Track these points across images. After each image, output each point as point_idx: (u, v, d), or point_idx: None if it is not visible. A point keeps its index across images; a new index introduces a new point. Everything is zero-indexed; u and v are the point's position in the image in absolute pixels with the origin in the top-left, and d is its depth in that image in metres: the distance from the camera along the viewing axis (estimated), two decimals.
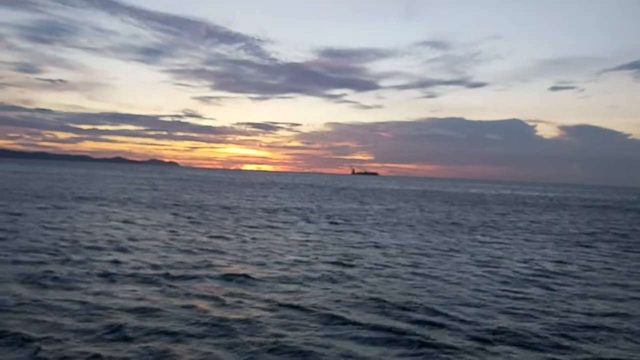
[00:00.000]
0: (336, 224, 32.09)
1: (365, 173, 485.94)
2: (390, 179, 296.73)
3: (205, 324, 10.25)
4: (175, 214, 33.39)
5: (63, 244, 19.30)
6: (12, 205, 33.24)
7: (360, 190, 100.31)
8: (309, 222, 32.53)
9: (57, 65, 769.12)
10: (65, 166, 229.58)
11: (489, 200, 76.87)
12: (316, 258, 18.75)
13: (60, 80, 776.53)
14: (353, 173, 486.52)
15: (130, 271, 14.93)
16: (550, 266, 19.27)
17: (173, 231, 24.70)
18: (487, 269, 18.17)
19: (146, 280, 13.87)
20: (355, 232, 27.99)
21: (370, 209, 47.21)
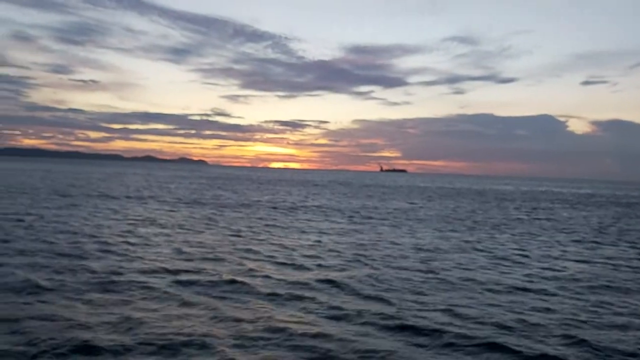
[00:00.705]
0: (353, 221, 31.31)
1: (394, 170, 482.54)
2: (418, 176, 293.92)
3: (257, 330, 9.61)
4: (211, 212, 33.10)
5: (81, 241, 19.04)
6: (37, 205, 33.39)
7: (388, 187, 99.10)
8: (346, 218, 31.82)
9: (89, 66, 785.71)
10: (96, 165, 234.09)
11: (533, 198, 74.95)
12: (332, 258, 18.02)
13: (92, 81, 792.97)
14: (381, 170, 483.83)
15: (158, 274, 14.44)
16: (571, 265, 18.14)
17: (209, 228, 24.28)
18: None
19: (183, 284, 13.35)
20: (372, 229, 27.17)
21: (415, 207, 46.22)
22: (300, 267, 16.01)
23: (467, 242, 23.58)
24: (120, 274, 14.00)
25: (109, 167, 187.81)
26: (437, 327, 10.26)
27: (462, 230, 28.39)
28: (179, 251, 18.09)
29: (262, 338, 9.27)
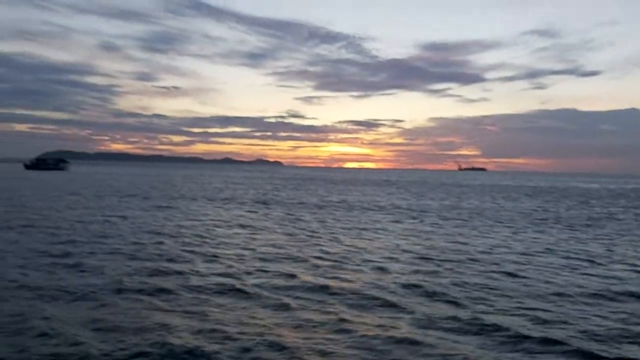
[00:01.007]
0: (430, 222, 30.46)
1: (472, 169, 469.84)
2: (498, 175, 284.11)
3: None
4: (290, 212, 33.50)
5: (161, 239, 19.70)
6: (122, 206, 35.03)
7: (467, 186, 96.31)
8: (422, 219, 31.20)
9: (171, 73, 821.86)
10: (178, 167, 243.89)
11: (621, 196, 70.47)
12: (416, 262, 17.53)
13: (174, 87, 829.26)
14: (459, 169, 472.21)
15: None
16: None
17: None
18: None
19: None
20: (449, 229, 26.28)
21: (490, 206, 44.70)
22: (378, 270, 15.63)
23: (548, 242, 22.30)
24: (200, 275, 14.26)
25: (189, 170, 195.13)
26: (520, 331, 9.71)
27: (544, 230, 26.93)
28: (256, 252, 18.20)
29: (336, 340, 9.06)
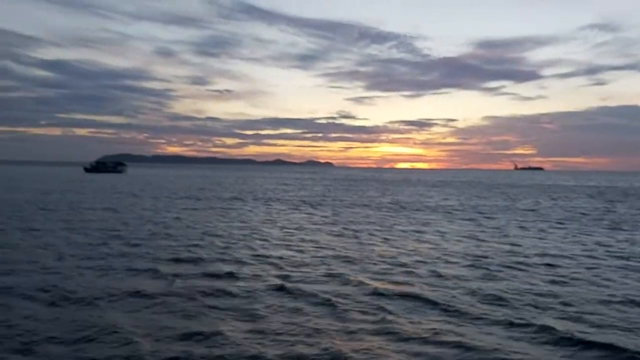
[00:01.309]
0: (485, 223, 29.56)
1: (529, 168, 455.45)
2: (556, 174, 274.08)
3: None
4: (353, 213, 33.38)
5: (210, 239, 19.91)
6: (175, 206, 35.79)
7: (524, 186, 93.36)
8: (478, 220, 30.42)
9: (224, 77, 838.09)
10: (232, 169, 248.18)
11: None
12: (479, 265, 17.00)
13: (227, 90, 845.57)
14: (516, 169, 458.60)
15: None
16: None
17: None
18: None
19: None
20: (505, 230, 25.39)
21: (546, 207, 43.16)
22: (430, 272, 15.23)
23: (609, 244, 21.16)
24: (250, 276, 14.31)
25: (242, 171, 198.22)
26: (581, 337, 9.24)
27: (604, 232, 25.62)
28: (307, 253, 18.16)
29: (385, 344, 8.82)
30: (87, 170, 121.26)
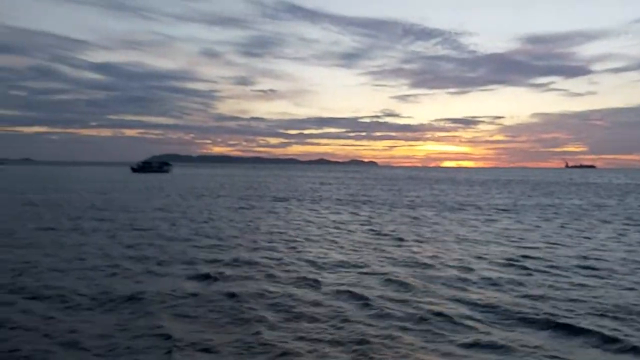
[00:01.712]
0: (539, 224, 28.32)
1: (580, 166, 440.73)
2: (609, 172, 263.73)
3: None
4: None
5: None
6: (219, 205, 35.92)
7: (577, 184, 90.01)
8: (529, 219, 29.26)
9: (268, 76, 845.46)
10: (276, 169, 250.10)
11: None
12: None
13: (271, 90, 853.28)
14: (566, 167, 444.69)
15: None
16: None
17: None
18: None
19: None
20: (559, 232, 24.18)
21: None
22: (464, 269, 14.62)
23: None
24: (290, 273, 14.00)
25: (286, 171, 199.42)
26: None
27: None
28: (348, 253, 17.80)
29: (420, 344, 8.30)
30: (133, 170, 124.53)
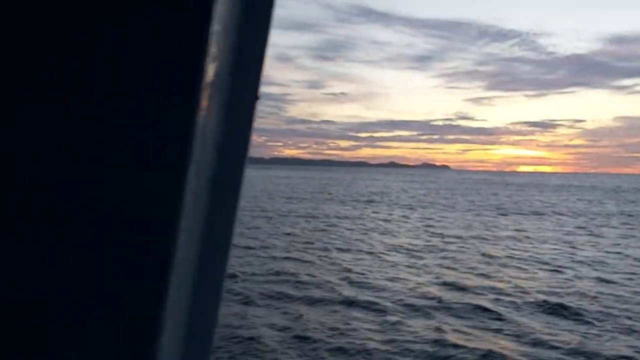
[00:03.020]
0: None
1: None
2: None
3: None
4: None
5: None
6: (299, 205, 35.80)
7: None
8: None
9: (339, 80, 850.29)
10: (344, 172, 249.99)
11: None
12: None
13: (342, 93, 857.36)
14: None
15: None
16: None
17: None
18: None
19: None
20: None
21: None
22: (551, 270, 13.28)
23: None
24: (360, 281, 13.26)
25: (356, 173, 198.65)
26: None
27: None
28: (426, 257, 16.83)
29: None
30: None
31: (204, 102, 0.63)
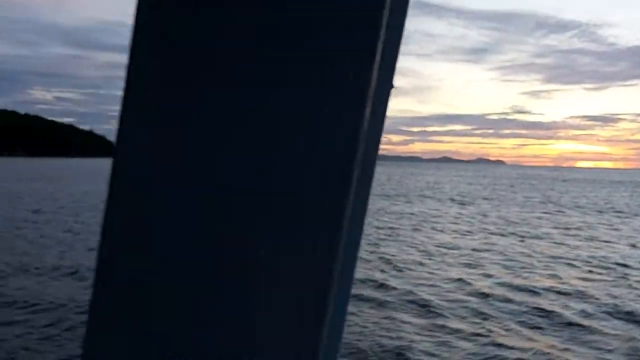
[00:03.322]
0: None
1: None
2: None
3: None
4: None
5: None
6: None
7: None
8: None
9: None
10: (397, 166, 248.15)
11: None
12: None
13: (395, 88, 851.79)
14: None
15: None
16: None
17: None
18: None
19: None
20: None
21: None
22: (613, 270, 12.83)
23: None
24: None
25: (408, 168, 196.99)
26: None
27: None
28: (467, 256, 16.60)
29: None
30: None
31: (370, 100, 0.61)
